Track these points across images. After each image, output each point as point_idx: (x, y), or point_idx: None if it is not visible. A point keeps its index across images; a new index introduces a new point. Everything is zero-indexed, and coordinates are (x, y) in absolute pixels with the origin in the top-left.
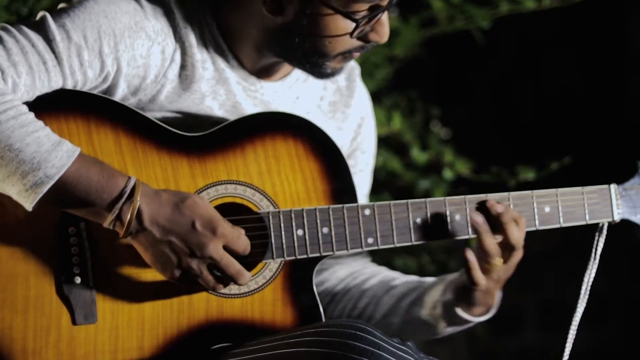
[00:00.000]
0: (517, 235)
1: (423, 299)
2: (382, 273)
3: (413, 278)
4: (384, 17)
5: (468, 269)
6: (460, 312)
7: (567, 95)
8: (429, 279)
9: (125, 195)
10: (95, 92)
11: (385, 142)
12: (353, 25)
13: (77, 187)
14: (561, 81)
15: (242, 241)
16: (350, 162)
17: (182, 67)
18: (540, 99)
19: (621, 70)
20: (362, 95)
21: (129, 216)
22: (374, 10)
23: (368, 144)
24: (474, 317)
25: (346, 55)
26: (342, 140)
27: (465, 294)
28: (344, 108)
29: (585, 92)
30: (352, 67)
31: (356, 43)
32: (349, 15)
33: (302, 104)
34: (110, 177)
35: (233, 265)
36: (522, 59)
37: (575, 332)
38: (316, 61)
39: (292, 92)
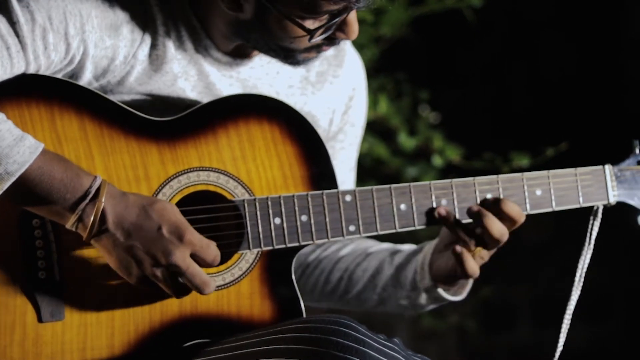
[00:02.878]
0: (498, 228)
1: (399, 279)
2: (355, 241)
3: (385, 247)
4: (351, 15)
5: (461, 262)
6: (443, 294)
7: (563, 78)
8: (402, 249)
9: (90, 196)
10: (60, 75)
11: (371, 127)
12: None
13: (39, 186)
14: (557, 63)
15: (211, 251)
16: (339, 137)
17: (153, 46)
18: (535, 82)
19: (619, 53)
20: (352, 64)
21: (92, 218)
22: (334, 17)
23: (359, 116)
24: (457, 297)
25: (314, 49)
26: (331, 115)
27: (446, 276)
28: (332, 79)
29: (582, 74)
30: None
31: (322, 40)
32: (301, 26)
33: (284, 78)
34: (75, 176)
35: (199, 275)
36: (516, 40)
37: (569, 323)
38: (284, 54)
39: (272, 66)
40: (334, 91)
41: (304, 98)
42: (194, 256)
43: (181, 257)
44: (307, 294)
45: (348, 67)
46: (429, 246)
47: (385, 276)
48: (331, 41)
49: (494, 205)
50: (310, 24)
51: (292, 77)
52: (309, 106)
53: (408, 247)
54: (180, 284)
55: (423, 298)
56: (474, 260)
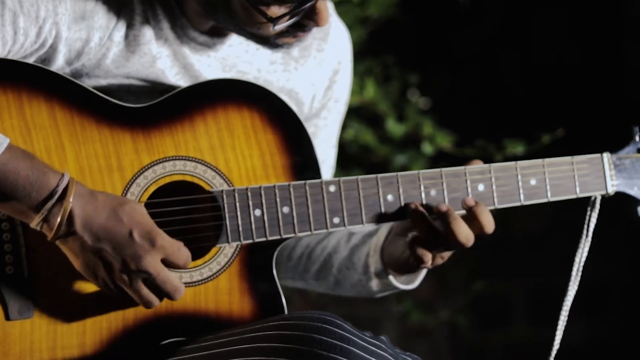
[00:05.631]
0: (466, 232)
1: (353, 260)
2: None
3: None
4: (321, 2)
5: (415, 247)
6: (393, 281)
7: (559, 61)
8: (360, 231)
9: (57, 196)
10: (32, 58)
11: (358, 113)
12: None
13: (4, 183)
14: (553, 46)
15: (182, 254)
16: (323, 114)
17: (130, 27)
18: (530, 66)
19: (620, 35)
20: (338, 36)
21: (58, 219)
22: (300, 4)
23: (343, 91)
24: (409, 285)
25: (290, 35)
26: (314, 91)
27: (399, 265)
28: (316, 53)
29: (579, 58)
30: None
31: (288, 28)
32: (263, 13)
33: (265, 54)
34: (41, 174)
35: (170, 281)
36: (510, 21)
37: (566, 319)
38: (257, 40)
39: (252, 43)
40: (317, 66)
41: (286, 74)
42: (165, 260)
43: (152, 263)
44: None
45: (333, 40)
46: (384, 228)
47: (341, 256)
48: (301, 28)
49: (470, 209)
50: (275, 10)
51: (274, 53)
52: (291, 83)
53: (367, 227)
54: (148, 293)
55: (374, 283)
56: (435, 258)
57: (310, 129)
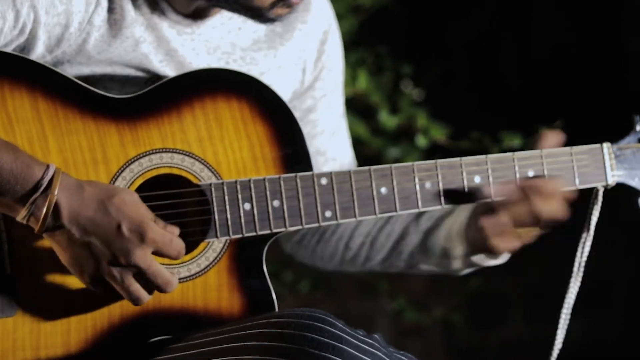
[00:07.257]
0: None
1: (427, 245)
2: None
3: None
4: None
5: (485, 237)
6: (479, 261)
7: (557, 51)
8: (429, 211)
9: (42, 188)
10: (10, 47)
11: (350, 105)
12: None
13: None
14: (551, 35)
15: (174, 245)
16: (317, 85)
17: (110, 10)
18: (527, 55)
19: (619, 25)
20: (320, 6)
21: (44, 211)
22: None
23: (335, 59)
24: (496, 261)
25: (284, 4)
26: (303, 64)
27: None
28: (300, 25)
29: (577, 48)
30: None
31: None
32: None
33: (247, 33)
34: (25, 167)
35: (162, 275)
36: (507, 10)
37: (568, 317)
38: (251, 14)
39: (233, 23)
40: (303, 39)
41: (272, 51)
42: (156, 253)
43: (142, 257)
44: (326, 261)
45: (316, 10)
46: (462, 209)
47: (412, 242)
48: None
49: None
50: None
51: (257, 31)
52: (278, 60)
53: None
54: (138, 289)
55: (456, 264)
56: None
57: (307, 101)
